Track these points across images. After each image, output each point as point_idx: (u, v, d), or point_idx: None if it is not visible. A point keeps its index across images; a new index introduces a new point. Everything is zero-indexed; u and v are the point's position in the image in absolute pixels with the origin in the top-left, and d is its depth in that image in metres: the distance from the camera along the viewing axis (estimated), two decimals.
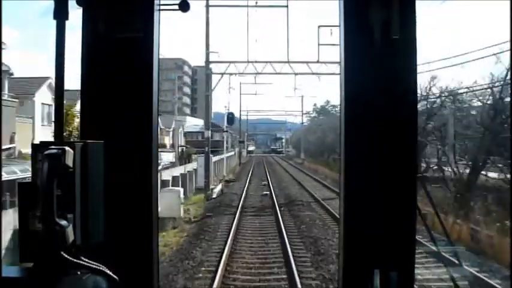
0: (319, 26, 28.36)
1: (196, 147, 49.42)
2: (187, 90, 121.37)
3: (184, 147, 51.45)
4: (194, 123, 76.46)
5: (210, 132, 32.09)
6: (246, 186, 34.39)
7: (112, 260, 1.67)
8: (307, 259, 13.63)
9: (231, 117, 41.01)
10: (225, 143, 47.83)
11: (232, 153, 66.88)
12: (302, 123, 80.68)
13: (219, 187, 31.41)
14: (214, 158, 39.82)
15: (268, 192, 30.25)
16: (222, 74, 32.43)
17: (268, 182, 37.39)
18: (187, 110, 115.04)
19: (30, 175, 1.67)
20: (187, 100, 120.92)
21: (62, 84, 1.83)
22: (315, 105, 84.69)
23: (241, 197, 27.83)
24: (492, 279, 10.95)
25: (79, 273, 1.61)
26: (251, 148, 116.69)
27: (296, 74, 31.71)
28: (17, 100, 23.71)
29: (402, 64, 2.04)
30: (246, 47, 31.51)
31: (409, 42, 2.04)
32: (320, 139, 61.87)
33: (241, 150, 76.14)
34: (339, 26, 2.13)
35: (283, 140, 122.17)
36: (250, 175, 45.89)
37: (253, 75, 32.62)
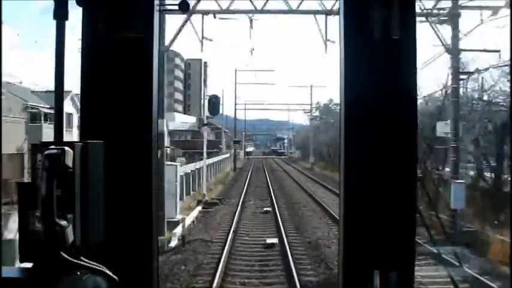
0: None
1: (183, 148, 39.34)
2: (179, 85, 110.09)
3: (168, 149, 41.45)
4: (183, 120, 66.05)
5: (165, 122, 17.62)
6: (236, 218, 20.37)
7: (112, 260, 1.68)
8: None
9: (214, 102, 24.13)
10: (205, 142, 30.43)
11: (227, 155, 57.03)
12: (311, 119, 67.87)
13: (179, 228, 17.27)
14: (183, 168, 25.60)
15: (275, 241, 15.80)
16: (189, 12, 17.32)
17: (274, 207, 23.31)
18: (180, 108, 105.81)
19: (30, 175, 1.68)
20: (179, 96, 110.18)
21: (61, 84, 1.83)
22: (317, 103, 70.88)
23: (221, 253, 13.61)
24: None
25: (79, 273, 1.61)
26: (250, 149, 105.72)
27: (328, 12, 16.80)
28: None
29: (402, 64, 2.04)
30: None
31: (409, 42, 2.04)
32: (335, 139, 49.23)
33: (237, 151, 64.94)
34: (339, 26, 2.13)
35: (286, 141, 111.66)
36: (245, 190, 31.68)
37: (248, 15, 17.53)
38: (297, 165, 64.80)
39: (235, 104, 64.80)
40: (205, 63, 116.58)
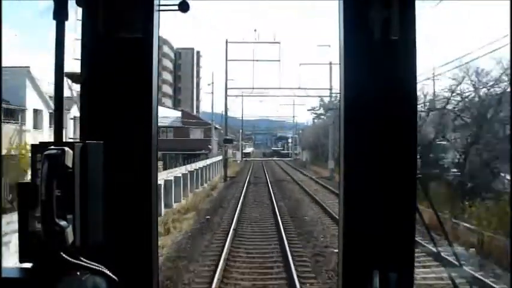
0: None
1: (163, 150, 32.12)
2: (168, 77, 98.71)
3: None
4: (164, 114, 52.25)
5: None
6: None
7: (111, 261, 1.69)
8: None
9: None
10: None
11: (221, 157, 47.20)
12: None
13: None
14: None
15: None
16: None
17: None
18: (169, 102, 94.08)
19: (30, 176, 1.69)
20: (168, 89, 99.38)
21: (61, 84, 1.83)
22: (321, 100, 64.90)
23: None
24: None
25: (78, 273, 1.62)
26: (248, 150, 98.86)
27: None
28: None
29: (402, 64, 2.06)
30: None
31: (408, 43, 2.06)
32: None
33: (233, 153, 51.88)
34: (338, 26, 2.14)
35: (290, 140, 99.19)
36: (232, 232, 17.35)
37: None
38: (308, 171, 47.03)
39: (226, 88, 47.29)
40: (198, 52, 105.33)
